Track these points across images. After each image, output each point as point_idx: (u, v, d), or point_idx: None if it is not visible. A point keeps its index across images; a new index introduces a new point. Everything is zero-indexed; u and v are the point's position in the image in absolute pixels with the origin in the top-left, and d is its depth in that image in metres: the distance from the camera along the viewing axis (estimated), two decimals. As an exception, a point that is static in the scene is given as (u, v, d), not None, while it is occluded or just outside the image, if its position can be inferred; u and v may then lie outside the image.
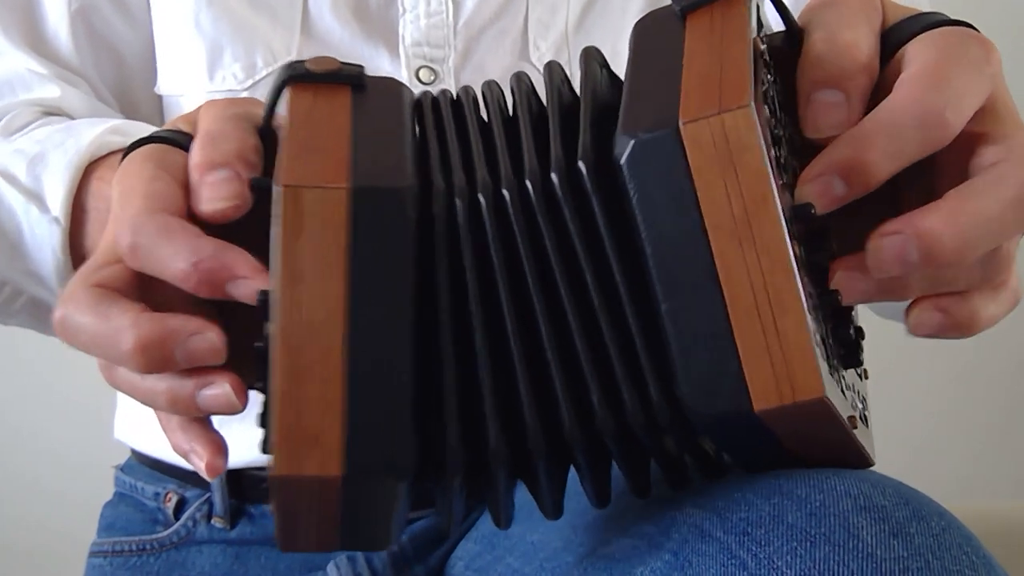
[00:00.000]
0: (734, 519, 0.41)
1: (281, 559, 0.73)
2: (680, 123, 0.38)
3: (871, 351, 0.47)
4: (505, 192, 0.41)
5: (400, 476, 0.39)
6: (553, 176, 0.41)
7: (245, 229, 0.42)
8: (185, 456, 0.44)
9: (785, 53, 0.44)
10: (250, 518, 0.74)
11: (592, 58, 0.46)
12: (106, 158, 0.60)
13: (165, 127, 0.48)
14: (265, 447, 0.39)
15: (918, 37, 0.43)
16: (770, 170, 0.38)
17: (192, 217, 0.43)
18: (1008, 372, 1.58)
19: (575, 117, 0.43)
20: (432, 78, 0.72)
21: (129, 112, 0.75)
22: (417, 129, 0.44)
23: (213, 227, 0.43)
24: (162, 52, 0.74)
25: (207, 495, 0.74)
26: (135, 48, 0.75)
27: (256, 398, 0.41)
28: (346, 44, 0.72)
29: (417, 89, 0.71)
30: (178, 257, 0.41)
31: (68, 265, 0.60)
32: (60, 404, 1.41)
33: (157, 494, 0.76)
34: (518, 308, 0.42)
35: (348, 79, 0.43)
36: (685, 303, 0.39)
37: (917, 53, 0.42)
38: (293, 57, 0.71)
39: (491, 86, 0.47)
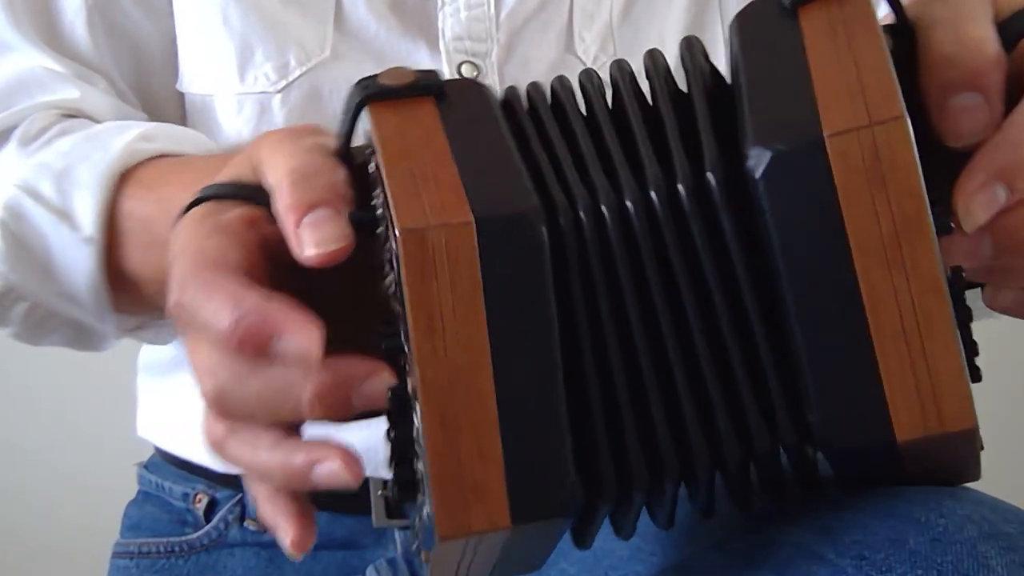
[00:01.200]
0: (847, 540, 0.40)
1: (317, 563, 0.71)
2: (825, 135, 0.36)
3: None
4: (629, 204, 0.39)
5: (567, 514, 0.38)
6: (680, 188, 0.39)
7: (335, 267, 0.40)
8: (271, 531, 0.43)
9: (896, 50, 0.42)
10: (285, 520, 0.72)
11: (696, 50, 0.43)
12: (136, 171, 0.58)
13: (222, 178, 0.45)
14: (392, 509, 0.38)
15: None
16: (924, 188, 0.36)
17: (264, 273, 0.41)
18: (1012, 373, 1.58)
19: (686, 117, 0.41)
20: (474, 73, 0.70)
21: (151, 109, 0.72)
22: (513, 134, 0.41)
23: (303, 269, 0.40)
24: (187, 50, 0.71)
25: (239, 496, 0.73)
26: (155, 42, 0.71)
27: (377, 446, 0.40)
28: (382, 39, 0.69)
29: None
30: (219, 315, 0.38)
31: (104, 284, 0.58)
32: (82, 400, 1.39)
33: (186, 494, 0.75)
34: (648, 328, 0.40)
35: (428, 89, 0.41)
36: (825, 328, 0.37)
37: None
38: (327, 55, 0.68)
39: (590, 75, 0.44)
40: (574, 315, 0.39)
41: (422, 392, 0.36)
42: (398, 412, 0.38)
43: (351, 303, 0.40)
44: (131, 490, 0.79)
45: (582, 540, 0.44)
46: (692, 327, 0.39)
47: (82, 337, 0.64)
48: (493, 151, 0.39)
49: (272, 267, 0.41)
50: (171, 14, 0.71)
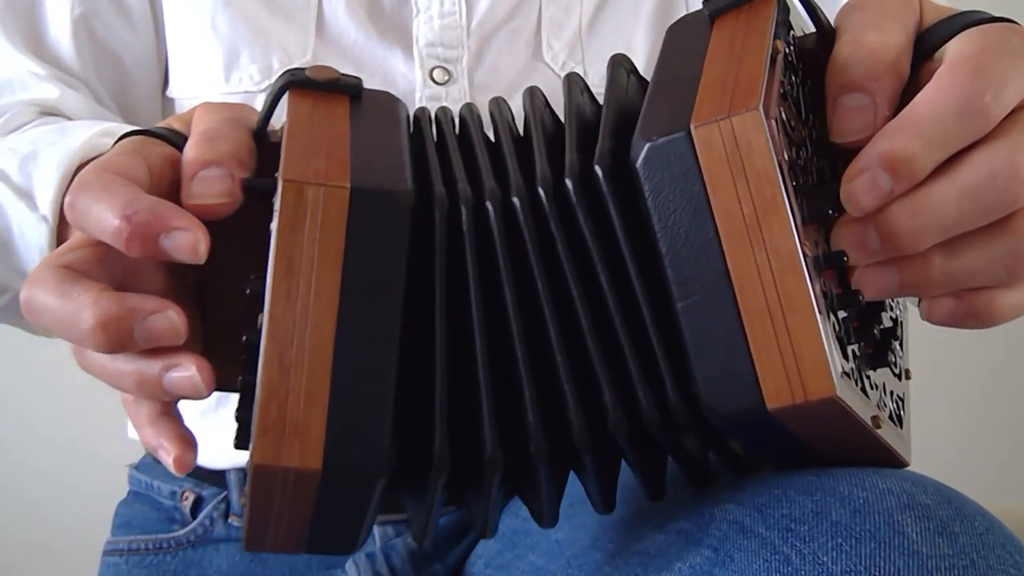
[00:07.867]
0: (776, 515, 0.42)
1: (299, 557, 0.73)
2: (692, 127, 0.39)
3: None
4: (515, 199, 0.42)
5: (378, 474, 0.39)
6: (567, 181, 0.42)
7: (234, 230, 0.43)
8: (154, 452, 0.44)
9: (817, 54, 0.44)
10: (268, 516, 0.74)
11: (619, 65, 0.46)
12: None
13: (160, 124, 0.48)
14: (239, 441, 0.39)
15: (958, 35, 0.43)
16: (779, 172, 0.38)
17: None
18: (1012, 374, 1.58)
19: (591, 129, 0.43)
20: (446, 78, 0.73)
21: (129, 117, 0.76)
22: (415, 140, 0.45)
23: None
24: (176, 55, 0.75)
25: (224, 493, 0.75)
26: (136, 54, 0.76)
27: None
28: (360, 45, 0.73)
29: (431, 90, 0.72)
30: (112, 210, 0.41)
31: None
32: (74, 402, 1.41)
33: (174, 493, 0.77)
34: (524, 312, 0.42)
35: (346, 88, 0.45)
36: (699, 303, 0.39)
37: (955, 47, 0.42)
38: (309, 59, 0.72)
39: (499, 103, 0.48)
40: (435, 299, 0.41)
41: (267, 327, 0.38)
42: (250, 360, 0.39)
43: (246, 268, 0.42)
44: (122, 491, 0.81)
45: (484, 530, 0.46)
46: (577, 308, 0.42)
47: None
48: (387, 145, 0.42)
49: None
50: (152, 27, 0.75)
